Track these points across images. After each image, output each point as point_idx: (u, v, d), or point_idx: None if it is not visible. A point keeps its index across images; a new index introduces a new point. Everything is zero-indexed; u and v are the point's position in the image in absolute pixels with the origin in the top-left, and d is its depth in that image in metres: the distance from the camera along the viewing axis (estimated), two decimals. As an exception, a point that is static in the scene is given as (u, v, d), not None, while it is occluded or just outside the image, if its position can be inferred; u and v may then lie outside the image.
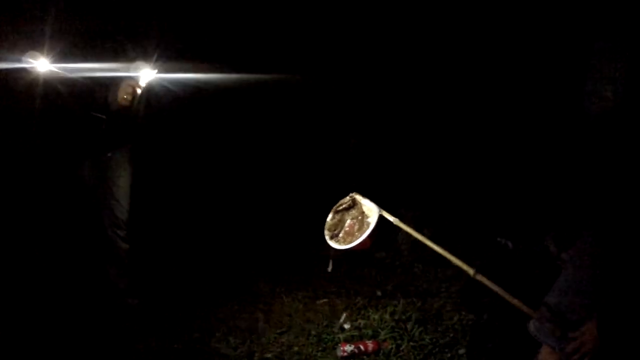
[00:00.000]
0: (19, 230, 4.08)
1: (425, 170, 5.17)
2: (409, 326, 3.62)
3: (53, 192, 4.06)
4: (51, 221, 4.18)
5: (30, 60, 3.36)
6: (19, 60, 3.37)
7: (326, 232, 2.66)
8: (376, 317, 3.76)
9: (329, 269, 2.70)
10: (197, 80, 4.17)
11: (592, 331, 2.12)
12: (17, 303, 3.74)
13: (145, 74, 3.52)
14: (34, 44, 3.41)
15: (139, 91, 3.52)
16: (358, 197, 2.67)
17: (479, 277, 2.42)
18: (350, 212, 2.66)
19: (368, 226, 2.57)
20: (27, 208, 4.12)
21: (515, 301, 2.34)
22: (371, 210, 2.61)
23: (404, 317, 3.73)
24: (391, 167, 5.09)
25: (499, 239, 4.27)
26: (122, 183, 3.79)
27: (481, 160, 4.99)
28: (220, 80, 4.59)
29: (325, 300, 4.05)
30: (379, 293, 4.10)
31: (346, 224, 2.64)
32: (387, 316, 3.75)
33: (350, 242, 2.57)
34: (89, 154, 3.71)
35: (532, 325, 2.45)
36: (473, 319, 3.68)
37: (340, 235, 2.64)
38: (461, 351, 3.38)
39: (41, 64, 3.38)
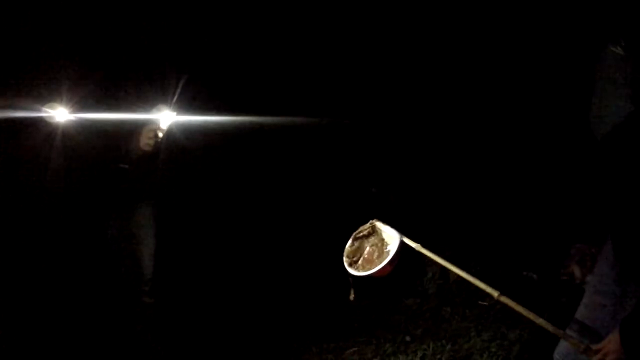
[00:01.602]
0: (39, 286, 4.07)
1: (445, 212, 5.20)
2: (439, 368, 3.58)
3: (76, 246, 4.05)
4: (74, 276, 4.18)
5: (49, 110, 3.35)
6: (39, 110, 3.36)
7: (345, 259, 2.59)
8: (406, 362, 3.72)
9: (351, 297, 2.64)
10: (219, 123, 4.11)
11: (616, 342, 2.07)
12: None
13: (166, 117, 3.46)
14: (52, 94, 3.40)
15: (160, 135, 3.45)
16: (378, 224, 2.62)
17: (503, 299, 2.36)
18: (370, 239, 2.61)
19: (388, 254, 2.50)
20: (47, 263, 4.11)
21: (540, 321, 2.29)
22: (391, 237, 2.55)
23: (434, 359, 3.68)
24: (411, 213, 5.08)
25: (524, 273, 4.24)
26: (147, 238, 3.73)
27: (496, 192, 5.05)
28: (241, 123, 4.53)
29: (354, 349, 3.99)
30: (407, 338, 4.03)
31: (365, 251, 2.59)
32: (417, 360, 3.71)
33: (369, 269, 2.49)
34: (113, 208, 3.67)
35: (557, 354, 2.43)
36: (503, 355, 3.63)
37: (360, 262, 2.57)
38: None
39: (60, 114, 3.36)
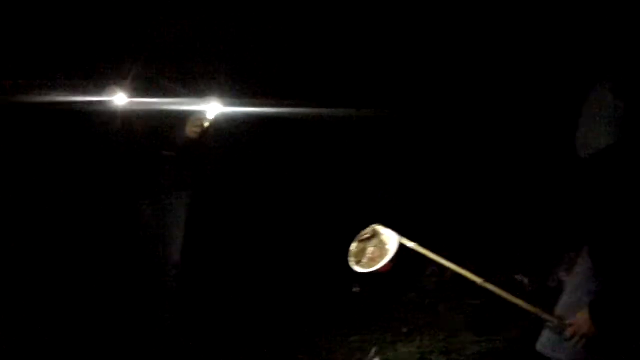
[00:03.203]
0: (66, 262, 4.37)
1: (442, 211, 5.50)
2: (433, 357, 3.94)
3: (107, 227, 4.29)
4: (100, 255, 4.45)
5: (109, 94, 3.52)
6: (99, 94, 3.56)
7: (351, 259, 2.93)
8: (404, 350, 4.05)
9: (355, 289, 2.98)
10: (264, 115, 4.23)
11: (586, 316, 2.36)
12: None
13: (213, 108, 3.57)
14: (114, 80, 3.58)
15: (206, 124, 3.59)
16: (378, 227, 2.95)
17: (487, 285, 2.62)
18: (372, 241, 2.94)
19: (387, 252, 2.85)
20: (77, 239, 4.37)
21: (520, 302, 2.54)
22: (390, 238, 2.89)
23: (429, 349, 4.04)
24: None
25: (515, 276, 4.53)
26: (179, 225, 3.84)
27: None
28: (287, 115, 4.59)
29: (357, 336, 4.29)
30: (405, 329, 4.36)
31: (368, 251, 2.92)
32: (414, 349, 4.05)
33: (373, 266, 2.85)
34: (150, 194, 3.76)
35: (538, 344, 2.65)
36: (492, 347, 3.99)
37: (364, 261, 2.91)
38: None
39: (119, 98, 3.52)
